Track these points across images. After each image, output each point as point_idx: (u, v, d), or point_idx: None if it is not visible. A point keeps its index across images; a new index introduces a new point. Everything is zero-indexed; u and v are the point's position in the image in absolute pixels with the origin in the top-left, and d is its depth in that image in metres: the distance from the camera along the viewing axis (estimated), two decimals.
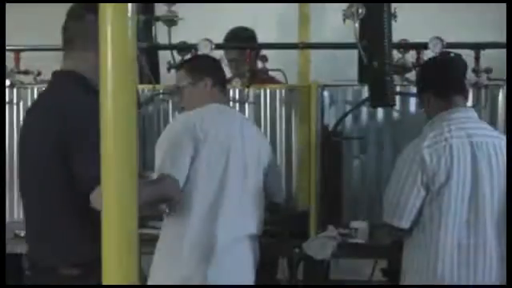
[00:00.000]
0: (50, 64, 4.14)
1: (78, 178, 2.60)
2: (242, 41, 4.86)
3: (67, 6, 2.90)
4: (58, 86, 2.85)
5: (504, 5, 5.49)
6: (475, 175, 3.29)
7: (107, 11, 1.32)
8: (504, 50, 4.66)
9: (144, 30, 4.76)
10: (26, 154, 2.81)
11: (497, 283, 3.31)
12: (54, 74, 2.91)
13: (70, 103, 2.71)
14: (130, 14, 1.33)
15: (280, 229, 4.15)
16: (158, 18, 4.65)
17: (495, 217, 3.32)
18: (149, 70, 4.55)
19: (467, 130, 3.35)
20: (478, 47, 4.26)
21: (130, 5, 1.32)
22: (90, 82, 2.74)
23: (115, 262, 1.32)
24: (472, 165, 3.29)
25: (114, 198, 1.32)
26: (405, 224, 3.35)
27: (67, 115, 2.65)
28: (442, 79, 3.55)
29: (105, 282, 1.32)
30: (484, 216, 3.30)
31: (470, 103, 3.98)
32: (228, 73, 4.60)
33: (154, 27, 4.81)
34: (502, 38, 4.03)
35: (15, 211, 4.73)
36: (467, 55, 3.99)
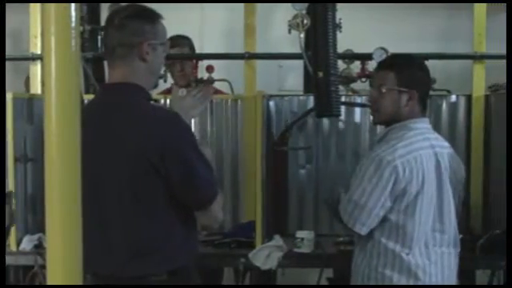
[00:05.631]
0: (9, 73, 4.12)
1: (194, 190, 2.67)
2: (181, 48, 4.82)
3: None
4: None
5: (445, 17, 5.58)
6: (440, 186, 3.27)
7: (50, 20, 1.31)
8: (447, 61, 4.76)
9: (89, 40, 4.73)
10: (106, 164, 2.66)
11: None
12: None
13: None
14: (74, 24, 1.32)
15: (226, 239, 4.16)
16: (103, 28, 4.62)
17: (453, 225, 3.35)
18: (95, 80, 4.52)
19: (430, 141, 3.31)
20: (422, 58, 4.30)
21: (74, 14, 1.31)
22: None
23: (59, 263, 1.33)
24: (437, 175, 3.27)
25: (58, 207, 1.32)
26: (364, 232, 3.25)
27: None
28: (428, 83, 3.50)
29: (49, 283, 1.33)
30: (448, 225, 3.31)
31: None
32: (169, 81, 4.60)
33: (99, 37, 4.78)
34: (445, 49, 4.09)
35: None
36: None
